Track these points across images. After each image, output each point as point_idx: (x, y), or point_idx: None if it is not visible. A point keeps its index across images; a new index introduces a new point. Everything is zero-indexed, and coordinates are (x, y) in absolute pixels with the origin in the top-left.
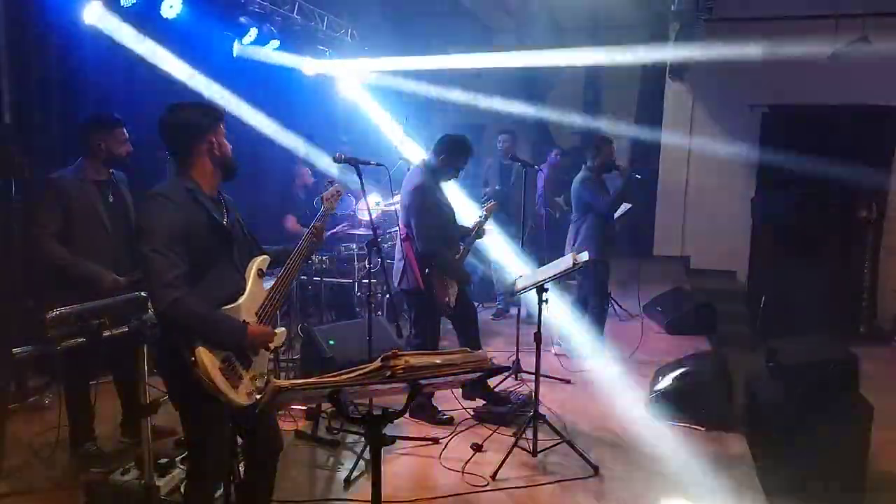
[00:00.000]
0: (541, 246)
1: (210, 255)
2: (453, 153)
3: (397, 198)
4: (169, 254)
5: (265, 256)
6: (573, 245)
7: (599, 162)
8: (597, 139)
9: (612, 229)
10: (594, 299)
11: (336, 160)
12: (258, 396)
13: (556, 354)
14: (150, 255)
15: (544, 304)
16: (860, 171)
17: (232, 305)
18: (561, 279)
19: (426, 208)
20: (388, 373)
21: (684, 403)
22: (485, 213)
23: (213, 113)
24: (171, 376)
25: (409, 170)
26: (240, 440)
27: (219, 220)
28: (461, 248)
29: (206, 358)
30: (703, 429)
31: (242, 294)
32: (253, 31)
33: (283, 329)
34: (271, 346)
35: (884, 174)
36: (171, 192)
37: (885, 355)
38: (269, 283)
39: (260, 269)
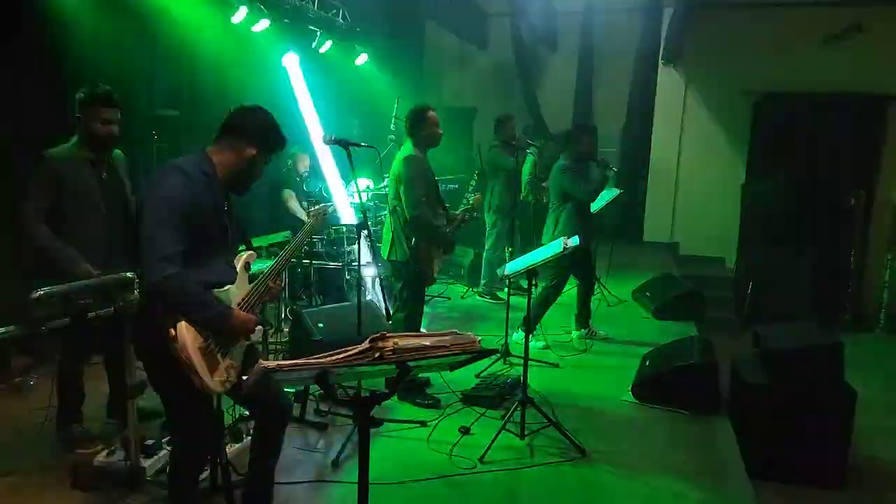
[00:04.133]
0: (529, 231)
1: (208, 241)
2: (425, 120)
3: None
4: (173, 229)
5: (252, 252)
6: (553, 233)
7: (576, 151)
8: (574, 128)
9: (590, 217)
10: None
11: (325, 142)
12: (230, 386)
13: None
14: (154, 225)
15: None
16: (849, 159)
17: (222, 290)
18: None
19: (414, 176)
20: (377, 354)
21: (671, 388)
22: (473, 203)
23: (281, 143)
24: (150, 356)
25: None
26: (228, 420)
27: (223, 209)
28: (448, 229)
29: (188, 334)
30: (688, 413)
31: (232, 282)
32: (242, 10)
33: (259, 327)
34: (251, 337)
35: (872, 162)
36: (188, 169)
37: (870, 342)
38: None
39: (247, 263)
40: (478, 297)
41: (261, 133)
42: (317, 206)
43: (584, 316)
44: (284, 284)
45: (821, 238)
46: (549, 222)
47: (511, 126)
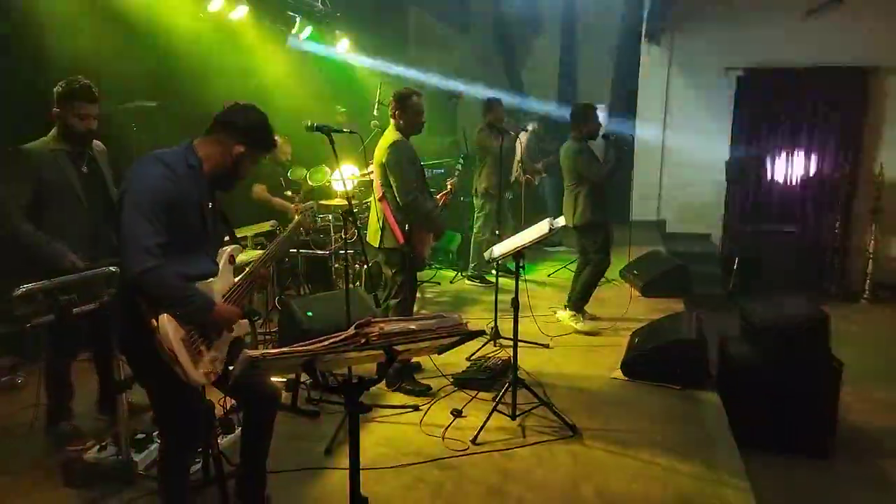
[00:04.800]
0: (520, 212)
1: (189, 233)
2: (407, 106)
3: (372, 167)
4: (154, 220)
5: (238, 245)
6: (574, 214)
7: (586, 130)
8: (581, 107)
9: (605, 193)
10: (595, 258)
11: (307, 128)
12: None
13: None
14: (135, 216)
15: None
16: (833, 132)
17: (205, 282)
18: (540, 244)
19: (404, 162)
20: (363, 340)
21: (660, 364)
22: (450, 188)
23: (269, 145)
24: (133, 349)
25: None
26: (219, 412)
27: (206, 203)
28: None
29: (170, 326)
30: (678, 388)
31: (214, 275)
32: None
33: (244, 321)
34: (234, 331)
35: (855, 135)
36: (172, 161)
37: (855, 314)
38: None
39: (231, 256)
40: (467, 282)
41: (251, 132)
42: (304, 204)
43: (581, 300)
44: (273, 273)
45: (805, 212)
46: (568, 202)
47: (500, 109)
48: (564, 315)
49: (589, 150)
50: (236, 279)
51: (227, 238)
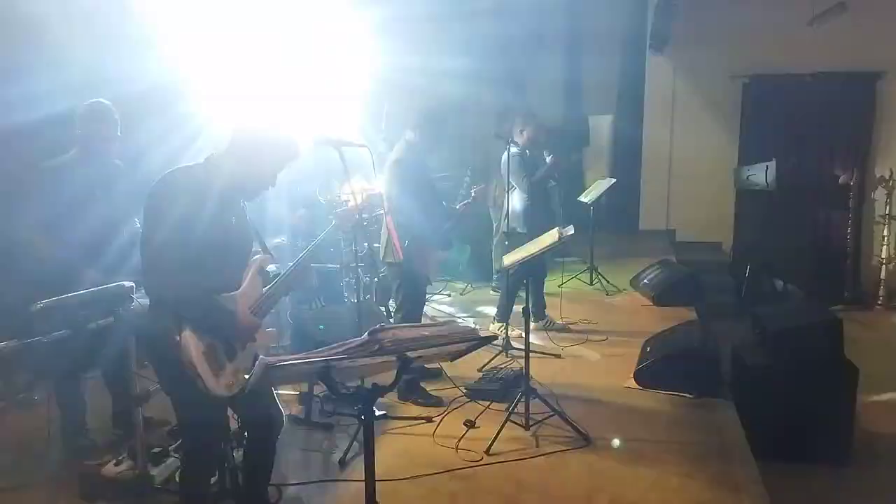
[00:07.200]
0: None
1: (211, 247)
2: (430, 126)
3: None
4: (173, 235)
5: (267, 256)
6: (504, 217)
7: (523, 140)
8: (521, 117)
9: (539, 203)
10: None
11: (315, 141)
12: (237, 391)
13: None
14: (154, 233)
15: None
16: (841, 137)
17: (229, 294)
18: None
19: (405, 181)
20: (376, 346)
21: (673, 372)
22: (473, 195)
23: (283, 153)
24: (158, 361)
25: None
26: (234, 426)
27: (227, 216)
28: (447, 225)
29: (191, 340)
30: (691, 396)
31: (237, 287)
32: None
33: (273, 329)
34: (258, 341)
35: (864, 140)
36: (189, 175)
37: (869, 318)
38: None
39: (261, 267)
40: (491, 292)
41: (261, 141)
42: (342, 208)
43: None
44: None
45: (816, 218)
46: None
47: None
48: (494, 327)
49: (520, 156)
50: (265, 289)
51: (258, 249)
